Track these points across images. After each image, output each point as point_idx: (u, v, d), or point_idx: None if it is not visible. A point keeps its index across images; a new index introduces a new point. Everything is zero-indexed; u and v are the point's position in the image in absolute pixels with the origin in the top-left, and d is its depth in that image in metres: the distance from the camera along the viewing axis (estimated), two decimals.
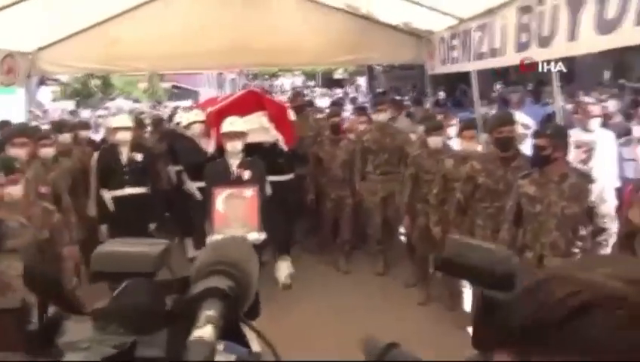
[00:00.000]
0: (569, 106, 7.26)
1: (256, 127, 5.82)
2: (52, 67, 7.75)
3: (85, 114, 19.59)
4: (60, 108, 22.59)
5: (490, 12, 5.27)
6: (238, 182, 5.00)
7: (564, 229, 3.72)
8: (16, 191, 3.84)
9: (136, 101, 31.59)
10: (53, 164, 5.55)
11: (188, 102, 29.82)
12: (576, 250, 3.76)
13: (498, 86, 17.30)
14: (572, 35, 3.72)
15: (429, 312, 5.38)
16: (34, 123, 9.04)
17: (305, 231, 7.43)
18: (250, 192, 4.83)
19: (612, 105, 6.94)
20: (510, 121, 4.41)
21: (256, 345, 0.91)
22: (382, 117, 6.62)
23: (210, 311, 0.72)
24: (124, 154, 5.75)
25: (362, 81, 26.08)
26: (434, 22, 6.86)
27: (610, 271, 0.56)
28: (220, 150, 5.42)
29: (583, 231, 3.77)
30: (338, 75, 32.18)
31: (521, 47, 4.71)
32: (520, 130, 5.55)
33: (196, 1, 7.42)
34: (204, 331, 0.69)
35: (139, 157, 5.78)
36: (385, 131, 6.48)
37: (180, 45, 7.48)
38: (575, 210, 3.69)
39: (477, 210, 4.52)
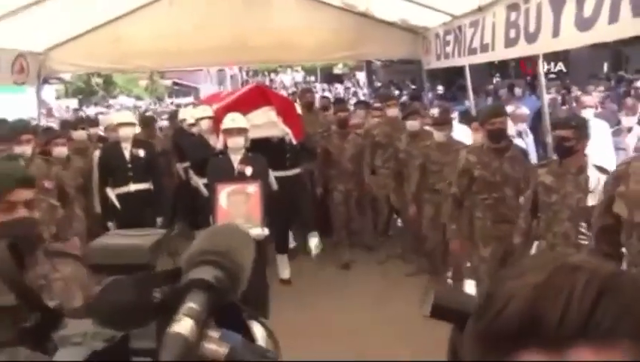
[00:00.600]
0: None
1: (264, 121, 5.85)
2: (61, 66, 8.02)
3: (90, 111, 19.85)
4: (64, 106, 22.89)
5: (481, 9, 5.52)
6: (241, 177, 5.00)
7: (576, 221, 3.71)
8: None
9: (137, 98, 31.83)
10: (66, 162, 5.65)
11: (189, 99, 30.09)
12: (587, 242, 3.66)
13: (495, 79, 17.54)
14: (555, 32, 3.99)
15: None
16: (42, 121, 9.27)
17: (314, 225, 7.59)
18: (252, 188, 4.84)
19: (597, 96, 7.21)
20: (501, 113, 4.48)
21: (263, 341, 0.89)
22: (391, 112, 6.79)
23: (191, 303, 0.72)
24: (127, 150, 5.79)
25: (362, 75, 26.29)
26: (429, 18, 7.11)
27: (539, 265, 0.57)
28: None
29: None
30: (338, 70, 32.37)
31: (510, 42, 4.96)
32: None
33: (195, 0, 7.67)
34: (182, 325, 0.68)
35: (141, 153, 5.83)
36: (394, 126, 6.62)
37: (182, 43, 7.72)
38: (590, 202, 3.61)
39: (475, 203, 4.53)
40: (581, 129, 3.73)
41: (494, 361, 0.56)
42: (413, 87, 17.38)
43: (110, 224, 5.69)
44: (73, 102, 27.74)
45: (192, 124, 6.64)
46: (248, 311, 0.83)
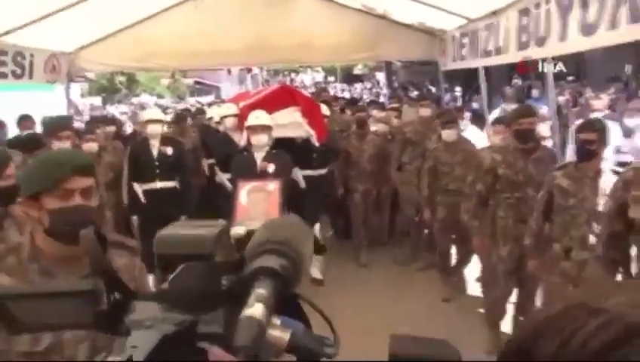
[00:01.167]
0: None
1: (289, 121, 5.90)
2: (90, 65, 8.35)
3: (113, 110, 20.30)
4: (89, 104, 23.37)
5: (495, 13, 5.70)
6: (263, 175, 5.05)
7: (594, 225, 3.66)
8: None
9: (159, 97, 32.31)
10: (96, 158, 5.67)
11: (210, 98, 30.48)
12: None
13: (514, 80, 17.57)
14: (562, 36, 4.17)
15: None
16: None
17: (334, 225, 7.60)
18: (273, 185, 4.87)
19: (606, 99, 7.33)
20: (530, 113, 4.45)
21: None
22: (424, 111, 6.91)
23: (260, 290, 0.74)
24: (155, 147, 5.83)
25: (381, 76, 26.42)
26: (445, 21, 7.27)
27: (627, 298, 0.52)
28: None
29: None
30: (357, 70, 32.52)
31: (522, 46, 5.14)
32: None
33: (221, 2, 7.93)
34: (254, 309, 0.71)
35: (169, 150, 5.86)
36: (427, 125, 6.69)
37: (205, 43, 7.99)
38: (607, 206, 3.57)
39: (498, 201, 4.53)
40: (603, 133, 3.75)
41: None
42: (432, 88, 17.48)
43: (134, 218, 5.81)
44: (97, 100, 28.30)
45: (218, 122, 6.80)
46: (307, 300, 0.86)
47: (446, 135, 5.64)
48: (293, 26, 8.03)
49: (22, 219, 2.99)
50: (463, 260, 5.82)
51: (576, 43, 3.98)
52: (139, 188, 5.80)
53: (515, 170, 4.33)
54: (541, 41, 4.65)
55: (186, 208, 5.92)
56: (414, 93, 15.55)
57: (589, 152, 3.67)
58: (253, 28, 7.91)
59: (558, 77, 13.46)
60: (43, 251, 1.70)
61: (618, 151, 4.46)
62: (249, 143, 5.46)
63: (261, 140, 5.19)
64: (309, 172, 6.10)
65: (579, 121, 6.12)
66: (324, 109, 6.68)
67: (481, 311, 4.97)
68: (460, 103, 13.51)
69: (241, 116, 6.01)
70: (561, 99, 9.28)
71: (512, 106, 7.93)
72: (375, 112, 8.11)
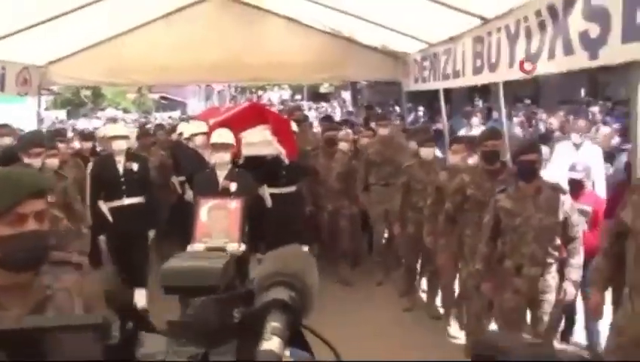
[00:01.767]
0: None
1: (260, 140, 5.94)
2: (60, 79, 8.48)
3: (80, 124, 20.20)
4: (54, 117, 23.19)
5: (452, 39, 6.09)
6: (225, 193, 5.02)
7: (541, 240, 3.90)
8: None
9: (125, 111, 32.13)
10: (58, 172, 5.41)
11: (176, 113, 30.43)
12: (552, 260, 3.94)
13: (476, 102, 18.20)
14: (511, 63, 4.56)
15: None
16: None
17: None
18: (234, 204, 4.84)
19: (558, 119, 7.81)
20: (496, 136, 4.62)
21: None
22: (384, 131, 6.97)
23: (275, 323, 0.76)
24: (121, 163, 5.69)
25: (347, 95, 26.91)
26: (408, 45, 7.65)
27: None
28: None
29: (557, 241, 3.96)
30: (324, 89, 32.99)
31: (477, 70, 5.52)
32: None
33: (193, 19, 8.13)
34: (272, 343, 0.73)
35: (135, 166, 5.74)
36: (387, 145, 6.78)
37: (175, 60, 8.18)
38: (551, 221, 3.88)
39: (466, 221, 4.64)
40: (541, 153, 4.07)
41: None
42: (397, 107, 17.96)
43: (101, 238, 5.64)
44: (62, 114, 28.03)
45: (187, 139, 6.86)
46: (311, 329, 0.87)
47: (425, 153, 5.72)
48: (261, 45, 8.28)
49: None
50: (431, 280, 5.88)
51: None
52: (104, 207, 5.66)
53: (483, 190, 4.44)
54: (493, 67, 5.04)
55: (154, 223, 5.93)
56: (379, 112, 16.01)
57: (533, 172, 3.90)
58: (223, 45, 8.14)
59: (517, 99, 14.15)
60: None
61: (572, 168, 4.80)
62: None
63: (223, 158, 5.18)
64: (276, 189, 6.15)
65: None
66: (294, 126, 6.74)
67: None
68: (422, 123, 13.96)
69: (211, 134, 5.91)
70: (516, 120, 9.80)
71: (476, 128, 8.38)
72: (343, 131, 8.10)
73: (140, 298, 5.67)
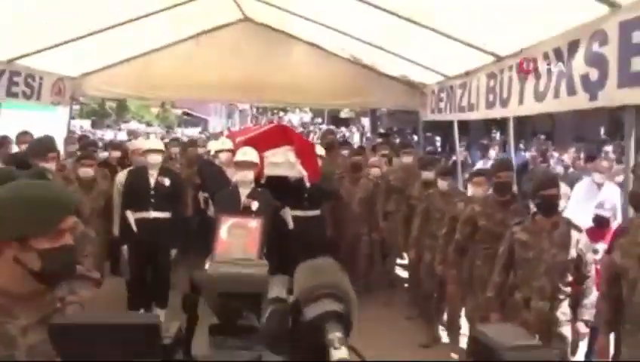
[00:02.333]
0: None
1: (283, 160, 5.94)
2: (92, 90, 8.90)
3: (109, 135, 20.73)
4: (79, 126, 23.76)
5: (468, 74, 6.34)
6: (246, 211, 5.03)
7: (552, 275, 3.87)
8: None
9: (148, 125, 32.73)
10: (91, 183, 5.77)
11: (197, 130, 30.94)
12: (562, 296, 3.91)
13: (493, 134, 18.40)
14: (521, 100, 4.79)
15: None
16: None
17: None
18: (254, 223, 4.85)
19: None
20: (508, 167, 4.70)
21: None
22: (407, 159, 7.04)
23: (337, 333, 0.80)
24: (153, 177, 5.75)
25: (366, 121, 27.24)
26: (426, 76, 7.92)
27: None
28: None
29: (569, 278, 3.92)
30: (344, 114, 33.35)
31: (489, 105, 5.75)
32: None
33: (221, 41, 8.50)
34: (342, 352, 0.77)
35: (167, 181, 5.77)
36: (409, 172, 6.79)
37: (202, 78, 8.51)
38: (564, 257, 3.85)
39: (476, 251, 4.63)
40: (559, 187, 4.02)
41: None
42: (414, 136, 18.19)
43: (124, 247, 5.69)
44: (86, 123, 28.68)
45: (213, 156, 6.93)
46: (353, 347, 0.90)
47: (441, 184, 5.77)
48: (285, 68, 8.57)
49: None
50: (439, 307, 5.86)
51: (531, 107, 4.60)
52: (131, 217, 5.70)
53: (495, 221, 4.47)
54: (504, 103, 5.27)
55: (177, 241, 5.89)
56: (397, 140, 16.25)
57: (553, 207, 3.89)
58: (248, 67, 8.45)
59: (534, 134, 14.32)
60: (2, 289, 1.58)
61: (599, 206, 4.85)
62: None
63: (246, 176, 5.19)
64: (299, 212, 6.14)
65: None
66: (319, 150, 6.73)
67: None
68: (439, 152, 14.18)
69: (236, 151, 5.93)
70: (528, 155, 9.99)
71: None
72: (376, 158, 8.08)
73: (160, 316, 5.56)
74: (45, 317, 1.58)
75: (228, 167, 6.08)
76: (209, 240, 5.11)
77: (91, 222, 5.37)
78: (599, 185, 6.40)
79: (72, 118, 9.75)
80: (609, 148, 9.19)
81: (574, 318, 3.96)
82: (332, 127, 25.06)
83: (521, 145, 11.73)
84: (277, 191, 5.68)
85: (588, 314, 3.92)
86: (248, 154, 5.31)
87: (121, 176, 6.01)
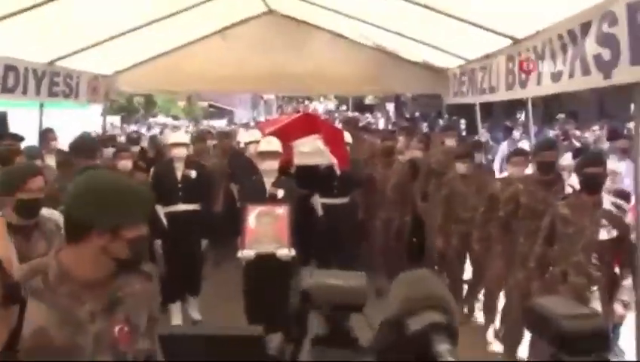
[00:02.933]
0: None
1: (312, 149, 5.98)
2: (125, 87, 9.28)
3: (143, 130, 21.24)
4: (109, 123, 24.31)
5: (488, 57, 6.49)
6: (272, 200, 5.05)
7: (589, 252, 3.93)
8: None
9: (174, 118, 33.25)
10: (130, 176, 5.66)
11: (224, 121, 31.32)
12: (599, 273, 3.95)
13: (518, 115, 18.39)
14: (539, 81, 4.95)
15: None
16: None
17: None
18: (281, 210, 4.89)
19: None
20: (552, 146, 4.75)
21: None
22: (450, 142, 7.04)
23: (446, 345, 0.81)
24: (180, 170, 5.79)
25: (390, 106, 27.30)
26: (447, 60, 8.07)
27: None
28: (280, 169, 5.44)
29: (607, 257, 3.95)
30: (369, 100, 33.39)
31: (509, 86, 5.89)
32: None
33: (246, 35, 8.79)
34: None
35: (193, 174, 5.81)
36: (448, 155, 6.69)
37: (229, 71, 8.81)
38: (603, 236, 3.89)
39: (519, 229, 4.70)
40: (606, 166, 4.09)
41: None
42: (439, 120, 18.25)
43: (157, 241, 5.72)
44: (116, 120, 29.31)
45: (243, 147, 7.11)
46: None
47: (459, 168, 5.85)
48: (309, 58, 8.81)
49: (52, 234, 3.17)
50: (473, 289, 5.95)
51: (548, 87, 4.75)
52: (161, 211, 5.75)
53: (536, 199, 4.53)
54: (523, 84, 5.43)
55: (207, 232, 5.97)
56: (424, 124, 16.38)
57: (597, 186, 3.95)
58: (274, 58, 8.71)
59: (559, 114, 14.32)
60: (72, 274, 1.64)
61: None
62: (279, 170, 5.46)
63: (271, 166, 5.19)
64: (329, 200, 6.20)
65: (568, 155, 6.76)
66: (347, 137, 6.77)
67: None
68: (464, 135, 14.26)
69: None
70: (552, 133, 10.07)
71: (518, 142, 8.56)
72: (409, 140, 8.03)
73: (193, 306, 5.95)
74: (110, 305, 1.68)
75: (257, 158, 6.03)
76: (236, 230, 5.18)
77: None
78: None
79: (102, 114, 10.15)
80: (631, 124, 9.17)
81: (610, 299, 3.97)
82: (356, 113, 25.19)
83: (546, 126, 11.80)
84: (307, 180, 5.75)
85: (628, 295, 3.92)
86: (272, 143, 5.33)
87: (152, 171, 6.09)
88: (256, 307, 4.96)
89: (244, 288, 5.10)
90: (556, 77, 4.46)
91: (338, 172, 6.12)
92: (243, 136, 7.59)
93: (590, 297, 3.99)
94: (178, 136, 6.25)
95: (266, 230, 4.87)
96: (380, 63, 9.00)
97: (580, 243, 3.95)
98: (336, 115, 25.28)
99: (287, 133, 5.92)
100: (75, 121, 9.03)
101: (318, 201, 6.18)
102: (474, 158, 6.00)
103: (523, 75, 5.29)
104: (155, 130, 20.16)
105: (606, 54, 3.58)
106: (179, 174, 5.79)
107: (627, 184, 5.01)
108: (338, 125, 11.60)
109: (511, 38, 5.56)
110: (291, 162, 5.98)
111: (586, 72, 3.86)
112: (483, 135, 8.49)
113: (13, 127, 8.23)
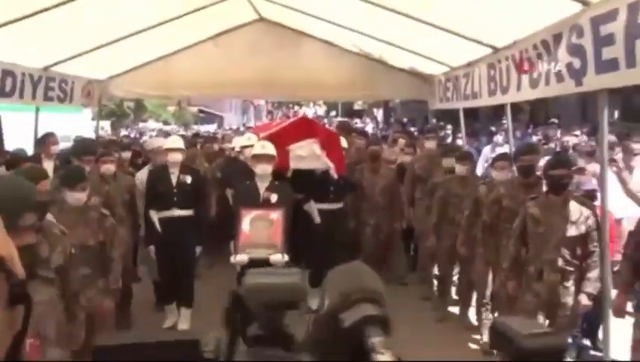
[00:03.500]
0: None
1: (308, 153, 5.95)
2: (118, 92, 9.43)
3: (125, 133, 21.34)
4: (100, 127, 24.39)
5: (470, 64, 6.74)
6: (266, 204, 5.03)
7: (562, 249, 4.15)
8: (82, 197, 4.24)
9: (165, 123, 33.33)
10: (112, 179, 5.90)
11: (213, 126, 31.45)
12: (571, 269, 4.19)
13: (504, 120, 18.69)
14: (518, 87, 5.20)
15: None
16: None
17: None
18: (275, 215, 4.87)
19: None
20: (533, 151, 5.00)
21: None
22: (430, 144, 7.23)
23: (379, 337, 0.82)
24: (175, 175, 5.73)
25: (379, 112, 27.62)
26: (433, 67, 8.30)
27: None
28: (276, 173, 5.46)
29: (578, 251, 4.19)
30: (358, 106, 33.70)
31: (491, 92, 6.14)
32: None
33: (238, 41, 8.96)
34: (387, 357, 0.79)
35: (188, 179, 5.77)
36: (432, 159, 6.99)
37: (221, 77, 8.97)
38: (573, 232, 4.13)
39: (502, 231, 4.84)
40: (571, 168, 4.41)
41: None
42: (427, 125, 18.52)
43: (151, 248, 5.74)
44: (106, 124, 29.34)
45: (239, 152, 7.13)
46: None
47: (460, 170, 5.93)
48: (299, 65, 8.99)
49: (55, 238, 3.21)
50: (464, 289, 6.07)
51: (527, 93, 5.01)
52: (155, 216, 5.74)
53: (518, 202, 4.67)
54: (504, 90, 5.68)
55: (201, 238, 5.89)
56: (412, 129, 16.66)
57: (563, 187, 4.20)
58: (264, 64, 8.88)
59: (546, 118, 14.67)
60: None
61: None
62: (277, 173, 5.48)
63: (265, 170, 5.18)
64: (325, 205, 6.16)
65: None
66: (343, 142, 6.78)
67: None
68: (450, 140, 14.55)
69: None
70: (535, 138, 10.37)
71: (500, 147, 8.87)
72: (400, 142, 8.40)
73: (184, 319, 5.82)
74: None
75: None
76: (230, 236, 5.16)
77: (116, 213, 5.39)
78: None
79: (92, 118, 10.27)
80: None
81: (577, 290, 4.23)
82: (345, 119, 25.43)
83: (529, 131, 12.10)
84: (303, 184, 5.81)
85: (592, 287, 4.18)
86: (266, 147, 5.32)
87: (141, 175, 6.15)
88: None
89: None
90: (534, 83, 4.71)
91: (335, 176, 6.11)
92: (238, 141, 7.65)
93: (564, 293, 4.23)
94: (173, 141, 6.20)
95: (260, 235, 4.86)
96: (368, 70, 9.21)
97: (551, 242, 4.17)
98: (326, 120, 25.51)
99: (283, 137, 5.95)
100: (66, 125, 9.15)
101: (314, 207, 6.13)
102: (474, 162, 6.09)
103: (504, 82, 5.54)
104: (151, 135, 20.23)
105: (576, 63, 3.84)
106: (174, 180, 5.73)
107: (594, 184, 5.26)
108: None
109: (491, 47, 5.82)
110: (287, 166, 5.97)
111: (560, 79, 4.12)
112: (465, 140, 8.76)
113: (8, 131, 8.36)
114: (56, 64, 7.21)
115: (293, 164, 5.79)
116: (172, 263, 5.72)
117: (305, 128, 6.24)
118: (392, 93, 10.67)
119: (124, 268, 4.87)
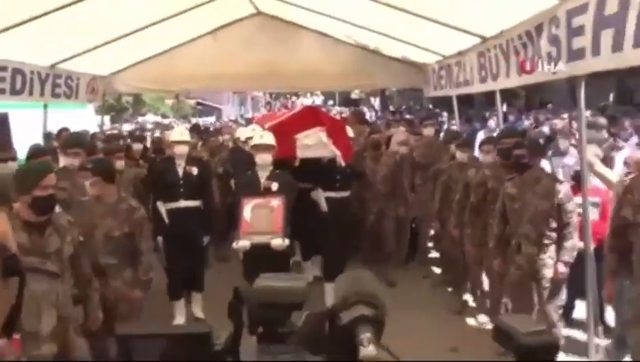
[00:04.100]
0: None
1: (315, 142, 5.94)
2: (122, 87, 9.67)
3: (126, 127, 21.56)
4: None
5: (461, 53, 7.00)
6: (267, 193, 5.08)
7: (536, 222, 4.43)
8: (74, 162, 4.79)
9: (163, 116, 33.45)
10: (117, 172, 5.56)
11: (212, 118, 31.58)
12: (547, 241, 4.46)
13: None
14: (507, 74, 5.47)
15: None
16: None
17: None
18: (276, 202, 4.92)
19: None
20: (513, 134, 5.19)
21: None
22: (429, 131, 7.41)
23: (367, 334, 0.89)
24: (181, 167, 5.76)
25: (376, 101, 27.85)
26: (427, 57, 8.55)
27: None
28: (281, 163, 5.49)
29: (553, 224, 4.45)
30: (355, 95, 33.93)
31: (482, 79, 6.41)
32: None
33: (236, 35, 9.20)
34: (371, 350, 0.86)
35: (195, 170, 5.80)
36: (431, 146, 7.21)
37: (220, 70, 9.24)
38: (545, 206, 4.41)
39: (489, 212, 5.02)
40: (534, 148, 4.68)
41: None
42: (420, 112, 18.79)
43: (159, 238, 5.68)
44: (106, 119, 29.48)
45: (243, 142, 7.16)
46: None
47: (460, 156, 6.10)
48: (297, 57, 9.23)
49: (64, 230, 3.27)
50: (464, 275, 6.14)
51: (516, 79, 5.29)
52: (162, 208, 5.77)
53: (502, 183, 4.85)
54: (494, 77, 5.94)
55: (209, 229, 5.96)
56: (407, 116, 16.92)
57: (523, 164, 4.54)
58: (263, 57, 9.13)
59: (543, 104, 14.97)
60: None
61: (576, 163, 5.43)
62: (282, 163, 5.50)
63: (265, 159, 5.20)
64: (332, 194, 6.16)
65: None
66: (349, 130, 6.80)
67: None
68: (445, 126, 14.84)
69: None
70: (527, 123, 10.65)
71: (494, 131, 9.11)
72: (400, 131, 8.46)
73: (196, 303, 5.95)
74: None
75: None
76: (235, 225, 5.12)
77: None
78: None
79: (96, 113, 10.50)
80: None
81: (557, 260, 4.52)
82: (343, 108, 25.68)
83: (523, 115, 12.40)
84: (310, 173, 5.85)
85: (568, 255, 4.49)
86: (265, 137, 5.35)
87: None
88: None
89: (244, 278, 5.04)
90: (523, 70, 4.97)
91: (343, 164, 6.11)
92: (243, 132, 7.67)
93: (541, 265, 4.51)
94: (180, 133, 6.19)
95: (260, 221, 4.89)
96: (364, 60, 9.44)
97: (525, 216, 4.46)
98: (324, 109, 25.76)
99: (290, 127, 6.01)
100: (72, 120, 9.39)
101: (322, 196, 6.16)
102: (473, 148, 6.28)
103: (494, 69, 5.80)
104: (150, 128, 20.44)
105: (554, 52, 4.14)
106: (180, 171, 5.77)
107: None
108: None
109: (480, 36, 6.09)
110: (295, 155, 5.97)
111: (542, 66, 4.39)
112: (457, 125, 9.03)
113: (17, 128, 8.62)
114: (62, 62, 7.47)
115: (301, 153, 5.83)
116: (180, 254, 5.74)
117: (311, 117, 6.26)
118: (388, 82, 10.88)
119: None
